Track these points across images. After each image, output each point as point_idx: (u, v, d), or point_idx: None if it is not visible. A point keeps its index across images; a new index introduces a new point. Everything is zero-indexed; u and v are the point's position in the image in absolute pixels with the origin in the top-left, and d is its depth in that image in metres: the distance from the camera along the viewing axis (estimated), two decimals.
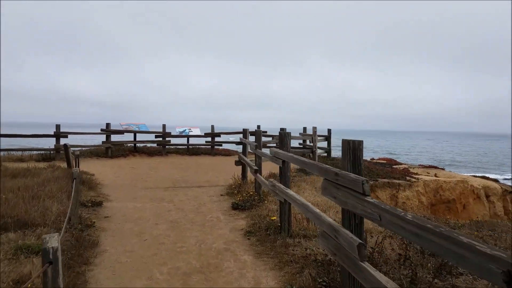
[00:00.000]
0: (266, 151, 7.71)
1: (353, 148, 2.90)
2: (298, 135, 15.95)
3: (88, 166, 12.55)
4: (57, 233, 2.18)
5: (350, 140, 2.92)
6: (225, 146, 19.33)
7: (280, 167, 4.93)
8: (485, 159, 56.67)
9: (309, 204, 3.70)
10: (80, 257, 4.07)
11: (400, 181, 11.77)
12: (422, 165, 19.30)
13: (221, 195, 8.19)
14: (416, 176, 13.46)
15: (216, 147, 17.44)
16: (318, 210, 3.43)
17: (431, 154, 60.40)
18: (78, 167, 8.43)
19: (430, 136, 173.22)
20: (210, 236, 5.21)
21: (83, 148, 15.96)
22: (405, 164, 17.98)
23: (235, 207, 6.75)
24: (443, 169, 17.07)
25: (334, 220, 3.22)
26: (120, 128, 16.06)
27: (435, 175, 15.20)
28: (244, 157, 8.52)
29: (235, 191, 8.13)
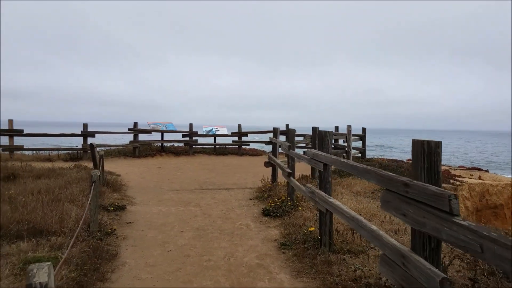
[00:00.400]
0: (298, 151, 7.11)
1: (428, 151, 2.25)
2: None
3: (115, 166, 12.37)
4: (49, 263, 1.67)
5: (425, 141, 2.27)
6: (252, 145, 18.84)
7: (319, 171, 4.30)
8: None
9: (362, 218, 3.06)
10: (95, 272, 3.61)
11: (444, 185, 10.78)
12: (462, 167, 18.00)
13: (250, 199, 7.63)
14: (460, 179, 12.38)
15: (243, 146, 16.94)
16: (375, 227, 2.78)
17: (463, 154, 57.33)
18: (102, 168, 8.12)
19: (461, 135, 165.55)
20: (240, 247, 4.65)
21: (111, 148, 15.92)
22: (445, 166, 16.78)
23: (266, 213, 6.17)
24: (487, 171, 15.77)
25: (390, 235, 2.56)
26: (148, 128, 15.88)
27: (479, 178, 13.99)
28: (274, 158, 7.93)
29: (265, 195, 7.55)
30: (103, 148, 15.52)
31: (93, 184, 4.79)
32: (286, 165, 6.75)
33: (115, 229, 5.05)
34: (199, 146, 16.80)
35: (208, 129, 16.50)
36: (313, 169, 9.82)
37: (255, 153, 17.08)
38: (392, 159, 16.49)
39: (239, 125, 16.64)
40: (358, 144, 14.45)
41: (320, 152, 4.22)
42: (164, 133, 16.00)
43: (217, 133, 16.53)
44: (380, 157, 18.44)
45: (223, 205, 7.05)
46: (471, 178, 13.20)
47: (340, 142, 14.46)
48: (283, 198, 6.68)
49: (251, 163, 14.03)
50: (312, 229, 4.69)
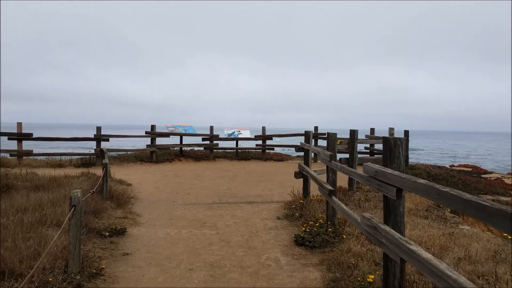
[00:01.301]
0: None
1: None
2: (363, 137, 13.61)
3: (128, 173, 11.34)
4: None
5: None
6: (276, 150, 17.52)
7: (390, 198, 2.92)
8: None
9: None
10: None
11: (507, 199, 9.06)
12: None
13: (278, 218, 6.29)
14: None
15: (267, 151, 15.63)
16: None
17: (494, 157, 53.22)
18: (106, 178, 7.00)
19: (492, 137, 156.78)
20: None
21: (128, 152, 15.00)
22: (495, 173, 14.83)
23: (300, 241, 4.81)
24: None
25: None
26: (166, 131, 14.85)
27: None
28: (307, 168, 6.55)
29: (296, 214, 6.19)
30: (117, 153, 14.67)
31: (73, 209, 3.59)
32: (325, 179, 5.36)
33: (103, 268, 3.83)
34: (220, 150, 15.62)
35: (230, 132, 15.27)
36: (350, 179, 8.36)
37: (280, 158, 15.71)
38: (435, 165, 14.75)
39: (263, 128, 15.32)
40: None
41: (390, 170, 2.83)
42: (184, 137, 14.92)
43: (239, 136, 15.28)
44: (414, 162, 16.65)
45: (245, 227, 5.74)
46: None
47: (379, 146, 12.87)
48: (321, 221, 5.29)
49: (276, 170, 12.68)
50: (371, 278, 3.29)
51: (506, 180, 13.05)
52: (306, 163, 6.88)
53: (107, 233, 4.89)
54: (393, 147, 2.98)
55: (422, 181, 2.36)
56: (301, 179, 7.19)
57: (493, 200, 8.83)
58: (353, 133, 8.29)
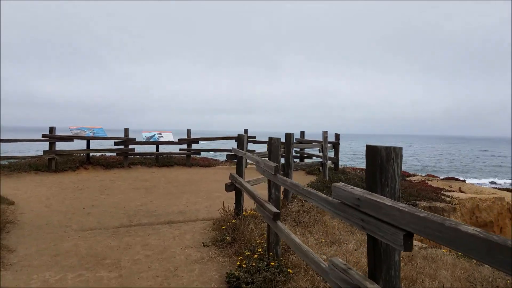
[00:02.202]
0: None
1: None
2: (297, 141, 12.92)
3: (17, 186, 9.03)
4: None
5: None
6: (203, 154, 16.13)
7: (380, 242, 1.84)
8: (456, 163, 53.32)
9: None
10: None
11: (442, 205, 8.92)
12: (431, 175, 16.77)
13: (205, 244, 4.97)
14: (448, 194, 10.70)
15: (193, 155, 14.16)
16: None
17: (409, 158, 57.52)
18: None
19: (404, 139, 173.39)
20: None
21: (22, 160, 12.30)
22: (418, 175, 15.30)
23: (234, 283, 3.57)
24: (464, 180, 14.52)
25: None
26: (69, 134, 12.49)
27: (460, 190, 12.55)
28: (240, 179, 5.35)
29: (228, 238, 4.95)
30: (8, 161, 11.95)
31: None
32: (261, 189, 4.21)
33: None
34: (138, 156, 13.72)
35: (149, 135, 13.46)
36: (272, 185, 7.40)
37: (207, 163, 14.34)
38: (362, 168, 14.69)
39: (188, 130, 13.81)
40: (331, 153, 12.35)
41: (388, 201, 1.74)
42: (92, 140, 12.71)
43: (161, 139, 13.55)
44: (344, 165, 16.60)
45: (161, 263, 4.32)
46: (457, 192, 11.64)
47: (308, 150, 12.24)
48: (260, 250, 4.12)
49: (203, 177, 11.31)
50: None
51: (430, 183, 13.42)
52: (239, 173, 5.69)
53: None
54: (385, 162, 1.91)
55: (468, 229, 1.29)
56: (233, 192, 5.98)
57: (430, 208, 8.60)
58: (289, 137, 7.32)
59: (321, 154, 9.43)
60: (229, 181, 5.72)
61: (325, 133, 8.87)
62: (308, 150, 12.49)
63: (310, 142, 11.45)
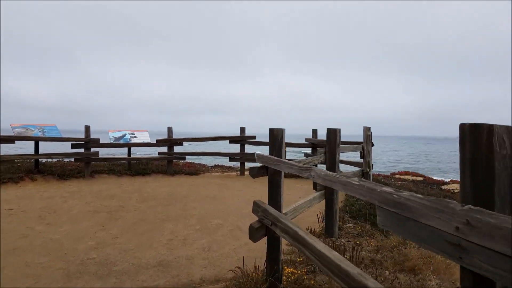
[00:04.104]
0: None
1: None
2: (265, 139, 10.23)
3: None
4: None
5: None
6: (188, 158, 13.28)
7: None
8: (428, 165, 49.61)
9: None
10: None
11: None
12: (405, 172, 14.50)
13: None
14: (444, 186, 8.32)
15: (175, 160, 11.29)
16: None
17: (385, 159, 54.94)
18: None
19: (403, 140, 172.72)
20: None
21: None
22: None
23: None
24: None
25: None
26: (11, 134, 9.39)
27: None
28: (278, 214, 2.62)
29: None
30: None
31: None
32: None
33: None
34: (104, 162, 10.73)
35: (118, 134, 10.46)
36: (328, 212, 4.68)
37: (194, 170, 11.46)
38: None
39: (169, 129, 10.91)
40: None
41: None
42: (42, 142, 9.66)
43: (133, 141, 10.59)
44: None
45: None
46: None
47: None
48: None
49: (190, 191, 8.48)
50: None
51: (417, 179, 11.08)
52: (275, 201, 2.96)
53: None
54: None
55: None
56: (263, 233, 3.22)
57: None
58: (334, 134, 4.65)
59: (359, 160, 6.76)
60: (257, 223, 2.96)
61: (367, 129, 6.22)
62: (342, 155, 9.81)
63: (351, 143, 8.47)
